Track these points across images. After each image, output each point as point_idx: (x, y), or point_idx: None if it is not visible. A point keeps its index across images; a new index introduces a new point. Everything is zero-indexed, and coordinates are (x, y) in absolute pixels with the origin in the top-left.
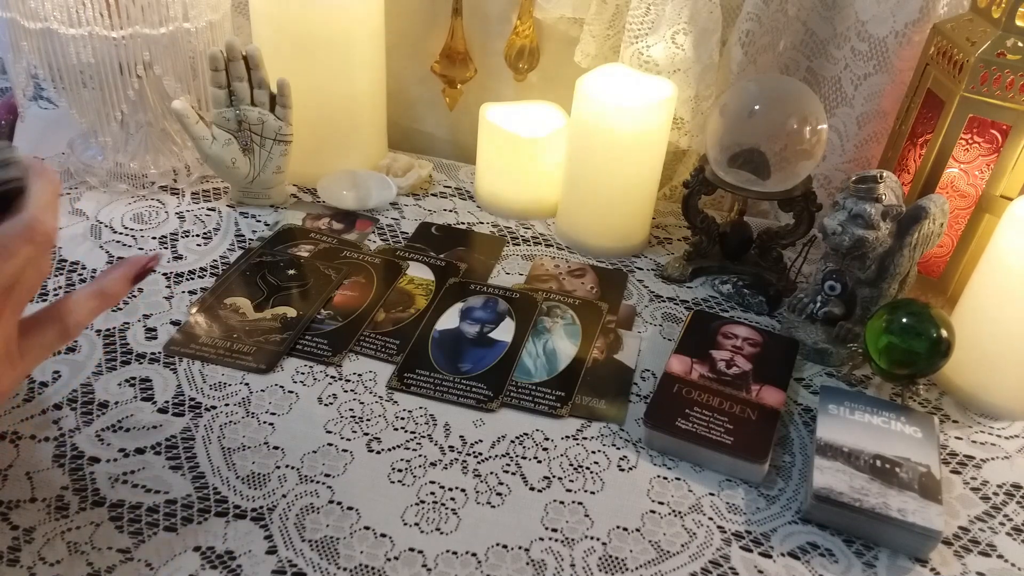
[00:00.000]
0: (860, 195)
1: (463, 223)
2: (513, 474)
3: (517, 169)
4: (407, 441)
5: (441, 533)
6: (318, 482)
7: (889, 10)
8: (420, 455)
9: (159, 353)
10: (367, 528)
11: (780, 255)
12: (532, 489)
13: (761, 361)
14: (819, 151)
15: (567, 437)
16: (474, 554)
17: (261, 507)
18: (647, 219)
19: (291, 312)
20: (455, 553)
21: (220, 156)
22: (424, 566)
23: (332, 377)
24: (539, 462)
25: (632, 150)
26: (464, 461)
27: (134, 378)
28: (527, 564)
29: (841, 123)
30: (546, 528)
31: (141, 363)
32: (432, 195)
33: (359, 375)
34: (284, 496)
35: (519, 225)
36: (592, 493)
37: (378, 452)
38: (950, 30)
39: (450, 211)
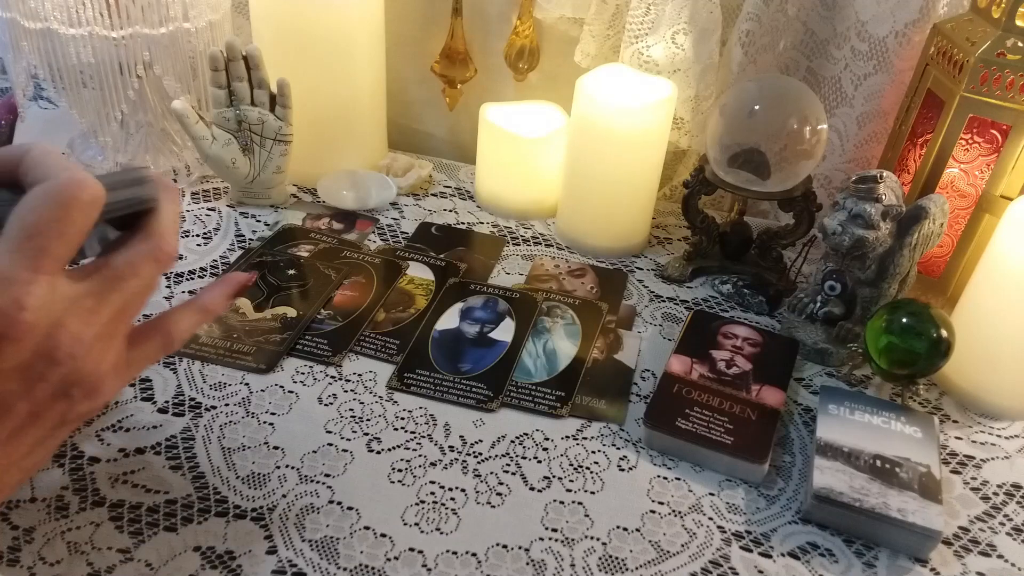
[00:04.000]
0: (860, 195)
1: (463, 223)
2: (513, 474)
3: (517, 169)
4: (407, 441)
5: (441, 533)
6: (318, 482)
7: (889, 10)
8: (420, 455)
9: None
10: (367, 528)
11: (780, 255)
12: (532, 489)
13: (761, 361)
14: (819, 151)
15: (567, 437)
16: (474, 554)
17: (261, 507)
18: (647, 219)
19: (291, 312)
20: (455, 553)
21: (220, 156)
22: (424, 566)
23: (332, 377)
24: (539, 462)
25: (632, 150)
26: (464, 461)
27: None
28: (527, 564)
29: (841, 123)
30: (546, 528)
31: None
32: (432, 195)
33: (359, 375)
34: (284, 496)
35: (519, 225)
36: (592, 493)
37: (378, 452)
38: (950, 30)
39: (450, 211)
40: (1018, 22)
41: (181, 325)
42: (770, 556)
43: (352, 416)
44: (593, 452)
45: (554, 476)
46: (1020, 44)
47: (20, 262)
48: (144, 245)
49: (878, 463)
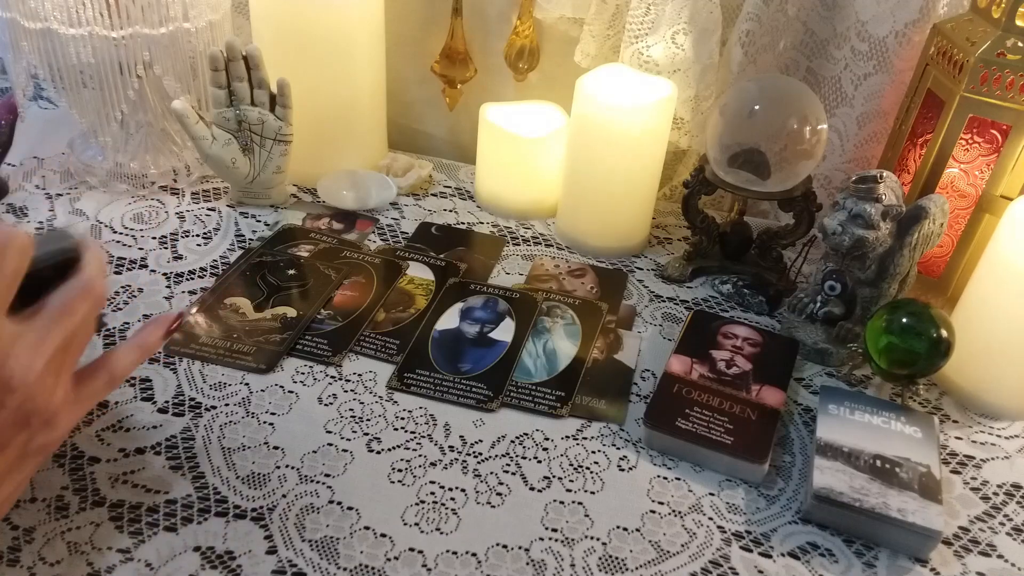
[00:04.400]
0: (860, 195)
1: (463, 223)
2: (513, 474)
3: (517, 169)
4: (407, 441)
5: (441, 533)
6: (318, 482)
7: (889, 10)
8: (420, 455)
9: (159, 353)
10: (367, 528)
11: (780, 255)
12: (532, 489)
13: (761, 361)
14: (819, 151)
15: (567, 437)
16: (474, 554)
17: (261, 507)
18: (647, 219)
19: (291, 312)
20: (455, 553)
21: (220, 156)
22: (424, 566)
23: (332, 377)
24: (539, 462)
25: (632, 150)
26: (464, 461)
27: (134, 378)
28: (527, 564)
29: (841, 123)
30: (546, 528)
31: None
32: (432, 195)
33: (359, 375)
34: (284, 496)
35: (519, 225)
36: (592, 493)
37: (378, 452)
38: (950, 30)
39: (450, 211)
40: (1018, 22)
41: (122, 362)
42: (770, 556)
43: (352, 416)
44: (593, 452)
45: (554, 476)
46: (1020, 44)
47: None
48: (75, 285)
49: (878, 463)
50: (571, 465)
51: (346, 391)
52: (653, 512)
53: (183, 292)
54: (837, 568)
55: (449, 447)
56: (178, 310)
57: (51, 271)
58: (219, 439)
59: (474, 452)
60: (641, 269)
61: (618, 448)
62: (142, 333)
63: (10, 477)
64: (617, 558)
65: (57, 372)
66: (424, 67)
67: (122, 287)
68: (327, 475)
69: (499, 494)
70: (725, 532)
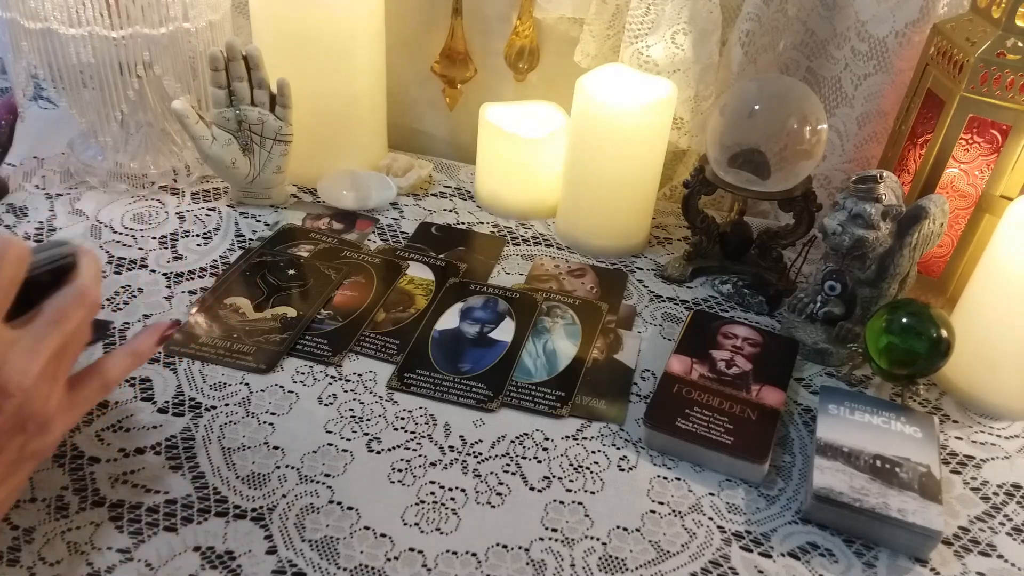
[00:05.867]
0: (860, 195)
1: (463, 223)
2: (513, 474)
3: (517, 169)
4: (407, 441)
5: (441, 533)
6: (318, 482)
7: (889, 10)
8: (420, 455)
9: (159, 353)
10: (367, 528)
11: (780, 255)
12: (532, 489)
13: (761, 361)
14: (819, 151)
15: (567, 437)
16: (474, 554)
17: (261, 507)
18: (647, 219)
19: (291, 312)
20: (455, 553)
21: (220, 156)
22: (424, 566)
23: (332, 377)
24: (539, 462)
25: (632, 150)
26: (464, 461)
27: (134, 378)
28: (527, 564)
29: (841, 123)
30: (546, 528)
31: None
32: (432, 195)
33: (359, 375)
34: (284, 496)
35: (519, 225)
36: (592, 493)
37: (378, 452)
38: (950, 30)
39: (450, 211)
40: (1018, 22)
41: (115, 368)
42: (770, 556)
43: (352, 416)
44: (593, 452)
45: (554, 476)
46: (1020, 44)
47: None
48: (70, 292)
49: (878, 463)
50: (571, 465)
51: (346, 391)
52: (653, 512)
53: (183, 292)
54: (837, 568)
55: (449, 447)
56: (172, 318)
57: (47, 276)
58: (219, 439)
59: (474, 452)
60: (641, 269)
61: (618, 448)
62: (135, 340)
63: (6, 482)
64: (617, 558)
65: (52, 378)
66: (424, 67)
67: (122, 287)
68: (327, 475)
69: (499, 494)
70: (725, 532)
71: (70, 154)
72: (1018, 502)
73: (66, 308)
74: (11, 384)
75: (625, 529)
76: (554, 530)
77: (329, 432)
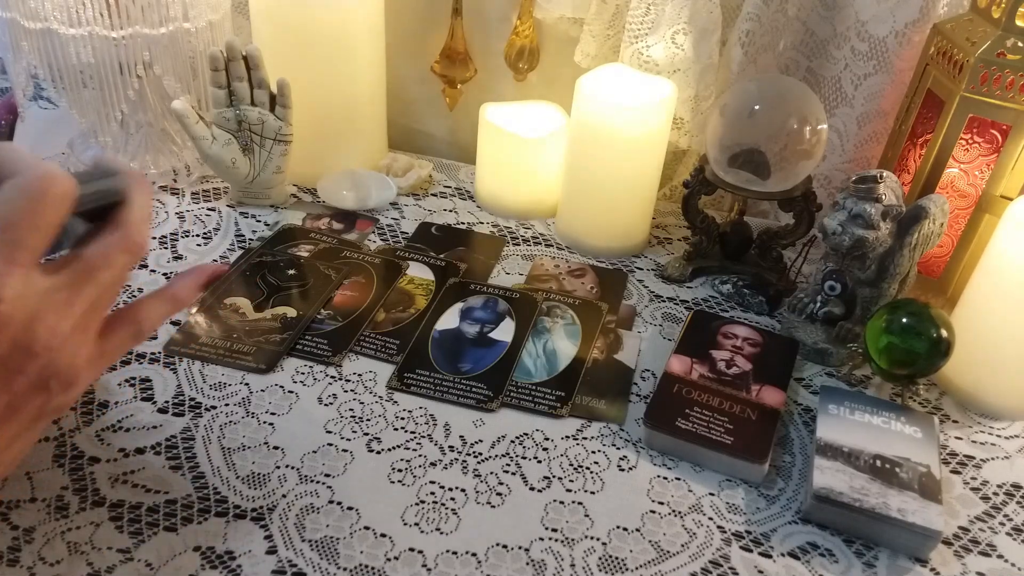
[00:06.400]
0: (860, 195)
1: (463, 223)
2: (513, 474)
3: (517, 169)
4: (407, 441)
5: (441, 533)
6: (318, 482)
7: (889, 10)
8: (420, 455)
9: (159, 353)
10: (367, 528)
11: (780, 255)
12: (532, 489)
13: (761, 361)
14: (819, 151)
15: (567, 437)
16: (474, 554)
17: (261, 507)
18: (647, 219)
19: (291, 312)
20: (455, 553)
21: (220, 156)
22: (424, 566)
23: (332, 377)
24: (539, 462)
25: (632, 150)
26: (464, 461)
27: (134, 378)
28: (527, 564)
29: (841, 123)
30: (546, 528)
31: (141, 363)
32: (432, 195)
33: (359, 375)
34: (284, 496)
35: (519, 225)
36: (592, 493)
37: (378, 452)
38: (950, 30)
39: (450, 211)
40: (1018, 22)
41: (151, 315)
42: (770, 556)
43: (352, 416)
44: (593, 452)
45: (554, 476)
46: (1020, 44)
47: None
48: (114, 236)
49: (878, 463)
50: (571, 465)
51: (346, 391)
52: (653, 512)
53: None
54: (837, 568)
55: (449, 447)
56: (218, 263)
57: (93, 209)
58: (219, 439)
59: (474, 452)
60: (641, 269)
61: (618, 448)
62: (175, 284)
63: (22, 439)
64: (617, 558)
65: (84, 329)
66: (424, 67)
67: (122, 287)
68: (327, 475)
69: (499, 494)
70: (725, 532)
71: (70, 154)
72: (1018, 502)
73: (109, 254)
74: (38, 343)
75: (625, 529)
76: (554, 530)
77: (329, 432)
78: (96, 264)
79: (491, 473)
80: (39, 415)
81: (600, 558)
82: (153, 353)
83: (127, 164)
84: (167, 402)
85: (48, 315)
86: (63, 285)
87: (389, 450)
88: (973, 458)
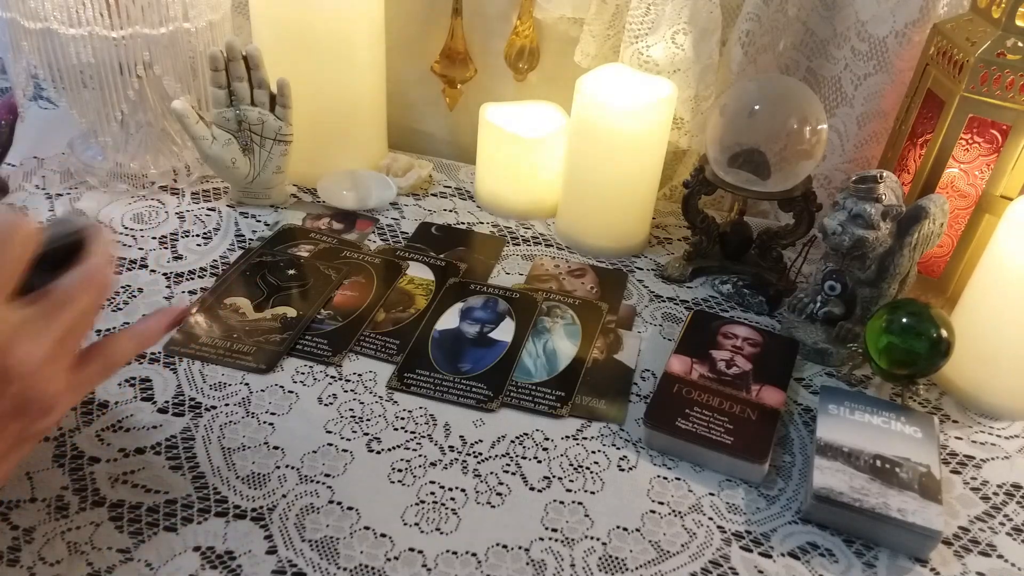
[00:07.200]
0: (860, 195)
1: (463, 223)
2: (513, 474)
3: (517, 169)
4: (407, 441)
5: (441, 533)
6: (318, 482)
7: (889, 10)
8: (420, 455)
9: (159, 353)
10: (367, 528)
11: (780, 255)
12: (532, 489)
13: (761, 361)
14: (819, 151)
15: (567, 437)
16: (474, 554)
17: (261, 507)
18: (647, 219)
19: (291, 312)
20: (455, 553)
21: (220, 156)
22: (424, 566)
23: (332, 377)
24: (539, 462)
25: (632, 150)
26: (464, 461)
27: (134, 378)
28: (527, 564)
29: (841, 123)
30: (546, 528)
31: (141, 363)
32: (432, 195)
33: (359, 375)
34: (284, 496)
35: (519, 225)
36: (592, 493)
37: (378, 452)
38: (950, 30)
39: (450, 211)
40: (1018, 22)
41: (120, 351)
42: (770, 556)
43: (352, 416)
44: (593, 452)
45: (554, 476)
46: (1020, 44)
47: None
48: (80, 273)
49: (878, 463)
50: (571, 465)
51: (346, 391)
52: (653, 512)
53: (183, 292)
54: (837, 568)
55: (449, 447)
56: (183, 305)
57: (59, 252)
58: (219, 439)
59: (474, 452)
60: (641, 269)
61: (618, 448)
62: (143, 324)
63: (7, 459)
64: (617, 558)
65: (56, 359)
66: (424, 67)
67: (122, 287)
68: (327, 475)
69: (499, 494)
70: (725, 532)
71: (70, 154)
72: (1018, 502)
73: (75, 289)
74: (14, 370)
75: (625, 529)
76: (554, 530)
77: (329, 432)
78: (63, 298)
79: (491, 473)
80: (19, 439)
81: (600, 558)
82: (153, 353)
83: (88, 217)
84: (167, 402)
85: (21, 343)
86: (34, 317)
87: (389, 450)
88: (973, 458)
